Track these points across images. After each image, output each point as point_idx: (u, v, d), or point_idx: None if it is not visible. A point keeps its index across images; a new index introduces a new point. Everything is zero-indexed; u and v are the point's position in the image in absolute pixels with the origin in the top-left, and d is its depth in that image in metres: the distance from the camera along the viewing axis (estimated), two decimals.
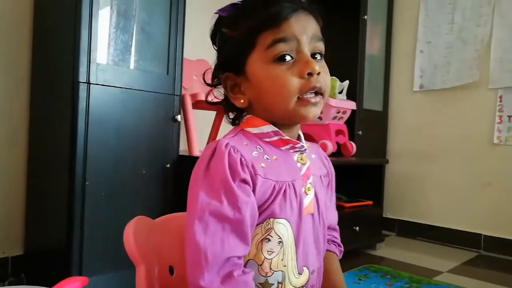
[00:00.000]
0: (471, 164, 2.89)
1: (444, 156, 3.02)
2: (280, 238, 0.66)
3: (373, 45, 3.07)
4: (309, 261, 0.70)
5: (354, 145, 2.70)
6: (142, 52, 1.80)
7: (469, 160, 2.90)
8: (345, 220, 2.48)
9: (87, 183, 1.57)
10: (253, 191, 0.65)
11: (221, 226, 0.62)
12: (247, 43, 0.68)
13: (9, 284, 1.72)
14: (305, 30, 0.67)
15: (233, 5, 0.72)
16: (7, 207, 1.83)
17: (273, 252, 0.66)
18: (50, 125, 1.75)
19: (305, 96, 0.67)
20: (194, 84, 2.24)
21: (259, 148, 0.69)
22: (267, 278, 0.67)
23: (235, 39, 0.69)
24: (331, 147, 2.52)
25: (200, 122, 2.18)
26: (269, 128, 0.70)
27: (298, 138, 0.75)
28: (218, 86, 0.76)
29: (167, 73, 1.85)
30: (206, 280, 0.60)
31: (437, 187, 3.04)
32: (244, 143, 0.68)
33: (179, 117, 1.85)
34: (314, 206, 0.72)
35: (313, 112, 0.68)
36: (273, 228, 0.66)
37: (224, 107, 0.78)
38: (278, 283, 0.67)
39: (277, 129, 0.70)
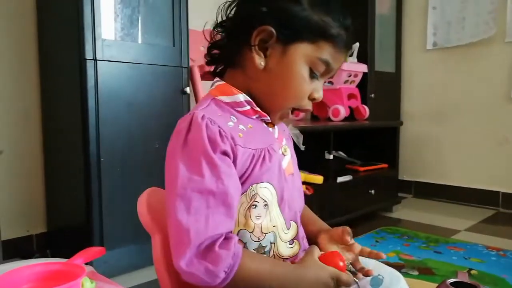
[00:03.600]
0: (488, 121, 2.84)
1: (459, 114, 2.96)
2: (265, 201, 0.68)
3: (383, 4, 2.97)
4: (297, 216, 0.74)
5: (367, 108, 2.67)
6: (147, 25, 1.78)
7: (486, 117, 2.84)
8: (361, 183, 2.48)
9: (102, 159, 1.60)
10: (234, 161, 0.65)
11: (205, 202, 0.61)
12: (311, 34, 0.67)
13: None
14: (338, 67, 0.72)
15: None
16: (27, 188, 1.88)
17: (260, 216, 0.67)
18: (62, 104, 1.77)
19: (293, 112, 0.73)
20: (202, 55, 2.22)
21: (233, 118, 0.69)
22: (260, 242, 0.68)
23: (307, 16, 0.66)
24: (343, 112, 2.50)
25: None
26: (243, 97, 0.70)
27: None
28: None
29: (173, 45, 1.83)
30: (187, 259, 0.60)
31: (453, 146, 3.00)
32: (218, 114, 0.67)
33: (188, 89, 1.85)
34: (292, 166, 0.76)
35: (281, 122, 0.76)
36: (257, 193, 0.67)
37: (208, 52, 0.75)
38: (271, 243, 0.69)
39: (249, 99, 0.70)
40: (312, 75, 0.69)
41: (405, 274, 1.70)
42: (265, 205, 0.68)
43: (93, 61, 1.56)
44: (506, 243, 2.10)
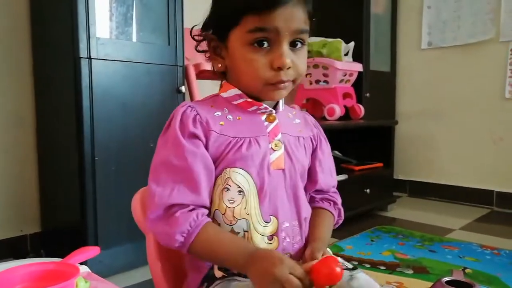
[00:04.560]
0: (483, 120, 2.85)
1: (454, 113, 2.97)
2: (240, 187, 0.71)
3: (378, 3, 2.98)
4: (279, 212, 0.73)
5: (362, 107, 2.67)
6: (142, 23, 1.77)
7: (480, 116, 2.86)
8: (356, 183, 2.48)
9: (96, 158, 1.59)
10: (207, 144, 0.71)
11: (171, 176, 0.68)
12: (232, 18, 0.70)
13: None
14: (288, 24, 0.68)
15: None
16: (21, 186, 1.87)
17: (234, 201, 0.71)
18: (56, 103, 1.76)
19: (272, 83, 0.71)
20: (197, 54, 2.21)
21: (225, 110, 0.75)
22: (232, 226, 0.71)
23: (224, 7, 0.72)
24: (338, 111, 2.50)
25: (206, 92, 2.16)
26: (234, 91, 0.75)
27: (277, 103, 0.78)
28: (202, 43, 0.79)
29: (169, 44, 1.82)
30: (150, 220, 0.68)
31: (448, 145, 3.02)
32: (210, 105, 0.75)
33: (183, 88, 1.84)
34: (285, 162, 0.75)
35: (278, 95, 0.74)
36: (230, 177, 0.71)
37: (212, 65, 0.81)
38: (244, 231, 0.71)
39: (241, 92, 0.75)
40: (257, 48, 0.69)
41: (400, 273, 1.71)
42: (240, 191, 0.71)
43: (87, 59, 1.55)
44: (500, 242, 2.12)
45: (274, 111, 0.77)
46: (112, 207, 1.64)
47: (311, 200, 0.84)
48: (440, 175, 3.05)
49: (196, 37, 0.78)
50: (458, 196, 2.94)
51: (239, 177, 0.71)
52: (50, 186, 1.86)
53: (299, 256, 0.74)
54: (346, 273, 0.70)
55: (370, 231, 2.28)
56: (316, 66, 2.58)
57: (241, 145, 0.71)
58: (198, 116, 0.71)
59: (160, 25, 1.81)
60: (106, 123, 1.61)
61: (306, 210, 0.79)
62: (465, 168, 2.94)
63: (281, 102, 0.79)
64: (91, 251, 0.70)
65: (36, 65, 1.86)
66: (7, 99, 1.82)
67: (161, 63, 1.79)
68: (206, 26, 0.76)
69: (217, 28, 0.73)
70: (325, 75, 2.57)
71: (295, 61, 0.71)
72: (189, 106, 0.73)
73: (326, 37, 2.59)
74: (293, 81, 0.73)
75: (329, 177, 0.85)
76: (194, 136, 0.70)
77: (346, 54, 2.58)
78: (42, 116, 1.86)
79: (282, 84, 0.71)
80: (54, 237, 1.86)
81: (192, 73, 2.02)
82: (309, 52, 2.70)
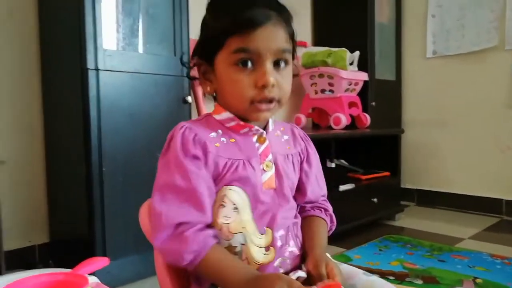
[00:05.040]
0: (489, 129, 2.83)
1: (460, 122, 2.96)
2: (235, 204, 0.73)
3: (382, 12, 2.99)
4: (272, 223, 0.75)
5: (368, 116, 2.67)
6: (149, 35, 1.79)
7: (487, 124, 2.84)
8: (363, 192, 2.47)
9: (104, 169, 1.60)
10: (206, 165, 0.72)
11: (176, 196, 0.70)
12: (218, 41, 0.72)
13: None
14: (269, 44, 0.71)
15: None
16: (29, 198, 1.88)
17: (229, 218, 0.73)
18: (64, 114, 1.77)
19: (257, 104, 0.73)
20: None
21: (219, 131, 0.76)
22: (230, 241, 0.73)
23: (209, 32, 0.75)
24: (344, 120, 2.50)
25: (211, 103, 2.17)
26: (226, 115, 0.78)
27: (267, 123, 0.80)
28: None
29: (175, 55, 1.84)
30: (159, 239, 0.69)
31: (455, 154, 3.00)
32: (205, 126, 0.77)
33: (189, 98, 1.85)
34: (275, 181, 0.77)
35: (263, 116, 0.75)
36: (226, 194, 0.73)
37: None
38: (241, 244, 0.72)
39: (233, 115, 0.77)
40: (242, 68, 0.71)
41: (410, 283, 1.69)
42: (235, 208, 0.73)
43: (95, 71, 1.57)
44: (510, 251, 2.09)
45: (264, 132, 0.78)
46: (120, 218, 1.64)
47: (302, 210, 0.86)
48: (448, 184, 3.03)
49: (186, 65, 0.83)
50: (467, 205, 2.91)
51: (234, 195, 0.73)
52: (58, 197, 1.87)
53: (297, 261, 0.77)
54: None
55: (378, 241, 2.26)
56: (321, 75, 2.58)
57: (237, 166, 0.74)
58: (197, 137, 0.73)
59: (166, 36, 1.83)
60: (113, 133, 1.63)
61: (296, 216, 0.82)
62: (473, 177, 2.92)
63: (270, 122, 0.81)
64: (100, 262, 0.70)
65: (45, 75, 1.88)
66: (16, 110, 1.84)
67: (168, 74, 1.80)
68: (195, 52, 0.79)
69: (205, 53, 0.76)
70: (330, 84, 2.57)
71: (279, 80, 0.72)
72: (187, 127, 0.74)
73: (331, 46, 2.60)
74: (279, 102, 0.74)
75: (316, 188, 0.87)
76: (195, 157, 0.72)
77: (351, 63, 2.58)
78: (50, 127, 1.87)
79: (265, 106, 0.73)
80: (62, 248, 1.86)
81: (198, 83, 2.03)
82: (313, 61, 2.72)
